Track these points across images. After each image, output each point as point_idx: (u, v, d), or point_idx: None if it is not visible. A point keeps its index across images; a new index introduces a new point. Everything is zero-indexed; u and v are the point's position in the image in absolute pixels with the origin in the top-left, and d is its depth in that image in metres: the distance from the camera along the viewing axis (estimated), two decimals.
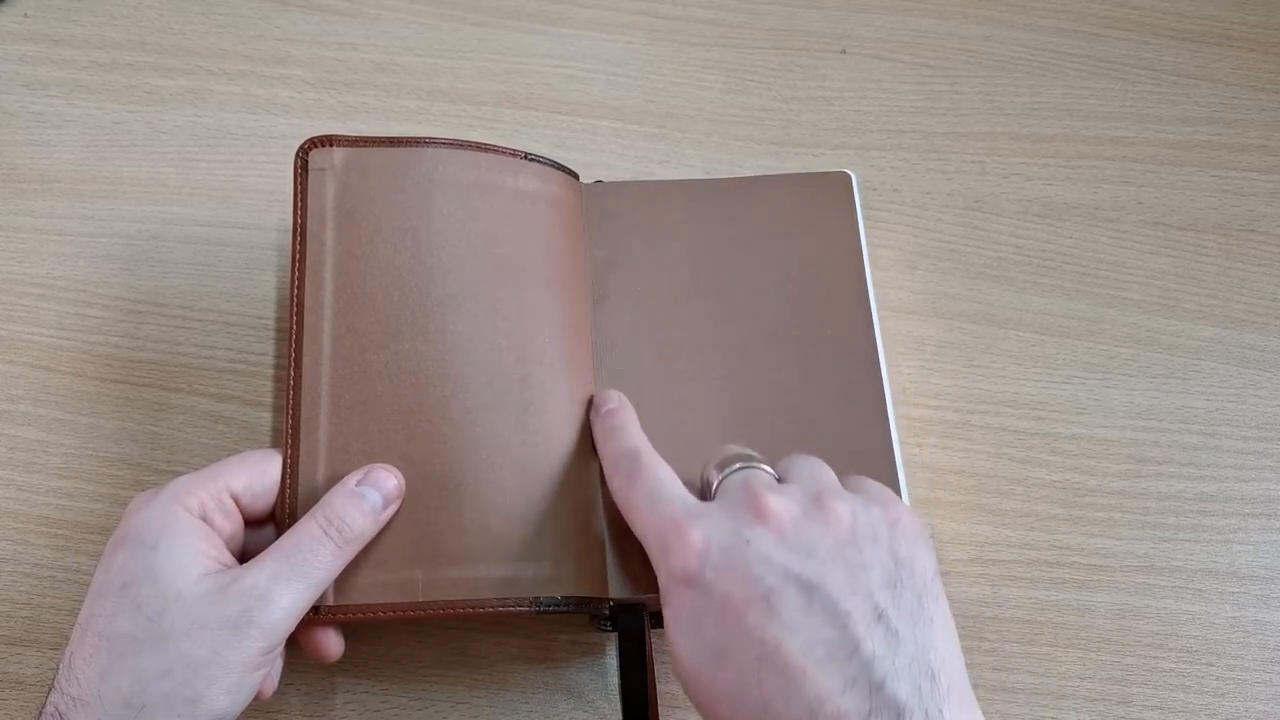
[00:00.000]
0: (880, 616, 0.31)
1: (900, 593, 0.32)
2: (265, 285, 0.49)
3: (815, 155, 0.54)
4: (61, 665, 0.34)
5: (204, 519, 0.36)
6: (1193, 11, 0.59)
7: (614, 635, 0.42)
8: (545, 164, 0.44)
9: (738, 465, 0.36)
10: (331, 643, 0.38)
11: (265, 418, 0.46)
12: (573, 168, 0.46)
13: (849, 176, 0.47)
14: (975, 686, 0.43)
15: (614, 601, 0.39)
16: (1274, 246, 0.53)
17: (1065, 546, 0.46)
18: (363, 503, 0.37)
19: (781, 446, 0.42)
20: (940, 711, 0.29)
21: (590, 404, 0.42)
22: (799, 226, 0.46)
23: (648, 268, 0.45)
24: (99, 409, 0.46)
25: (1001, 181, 0.54)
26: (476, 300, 0.41)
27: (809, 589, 0.31)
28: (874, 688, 0.29)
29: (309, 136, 0.42)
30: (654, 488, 0.36)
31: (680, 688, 0.42)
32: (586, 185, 0.47)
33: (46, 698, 0.33)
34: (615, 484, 0.38)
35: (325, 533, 0.36)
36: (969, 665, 0.43)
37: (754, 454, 0.38)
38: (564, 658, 0.43)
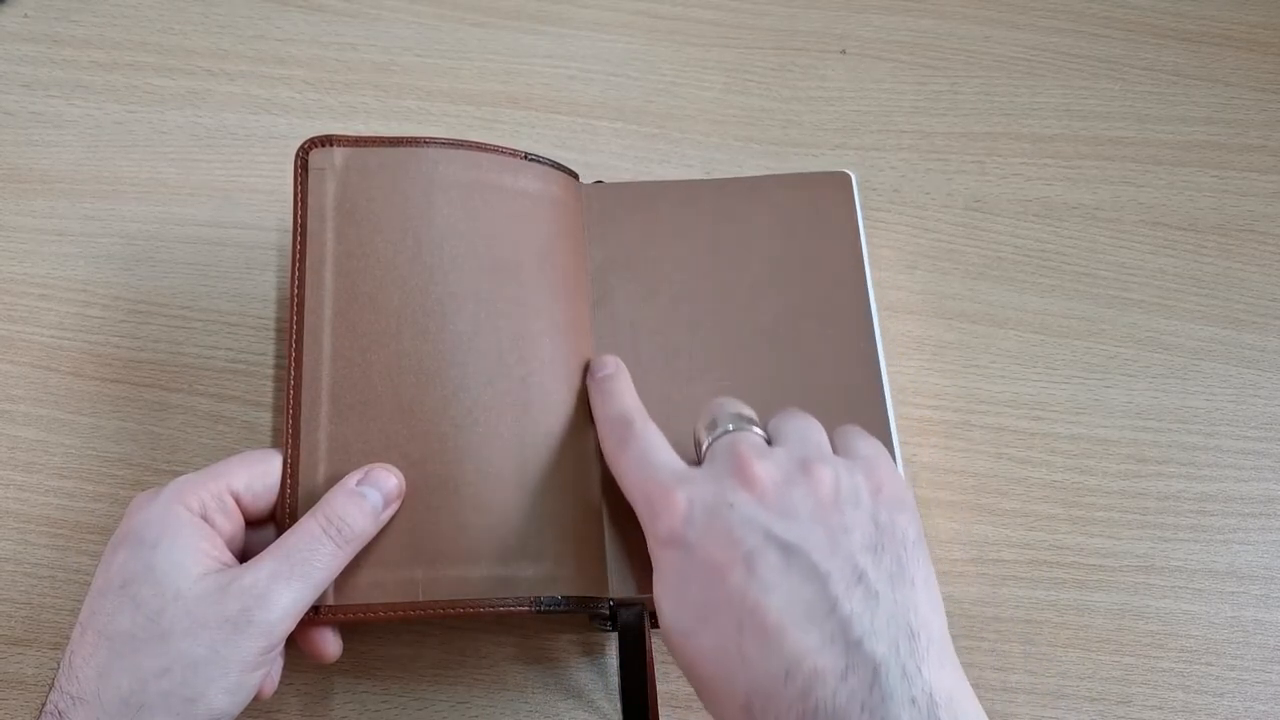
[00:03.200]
0: (860, 578, 0.31)
1: (881, 555, 0.32)
2: (265, 285, 0.49)
3: (815, 155, 0.54)
4: (62, 664, 0.34)
5: (204, 518, 0.36)
6: (1193, 11, 0.59)
7: (614, 635, 0.42)
8: (545, 164, 0.44)
9: (728, 427, 0.36)
10: (330, 643, 0.38)
11: (265, 418, 0.46)
12: (573, 168, 0.46)
13: (849, 176, 0.47)
14: (975, 686, 0.43)
15: (614, 601, 0.39)
16: (1274, 246, 0.53)
17: (1065, 546, 0.46)
18: (363, 502, 0.37)
19: None
20: (919, 669, 0.29)
21: (588, 368, 0.42)
22: (799, 227, 0.46)
23: (648, 268, 0.45)
24: (99, 409, 0.46)
25: (1001, 181, 0.54)
26: (477, 300, 0.41)
27: (788, 550, 0.32)
28: (851, 645, 0.30)
29: (309, 137, 0.42)
30: (644, 452, 0.37)
31: (679, 688, 0.42)
32: (586, 185, 0.47)
33: (47, 696, 0.33)
34: (608, 447, 0.39)
35: (325, 532, 0.36)
36: (969, 665, 0.43)
37: (745, 411, 0.38)
38: (564, 658, 0.43)
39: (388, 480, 0.37)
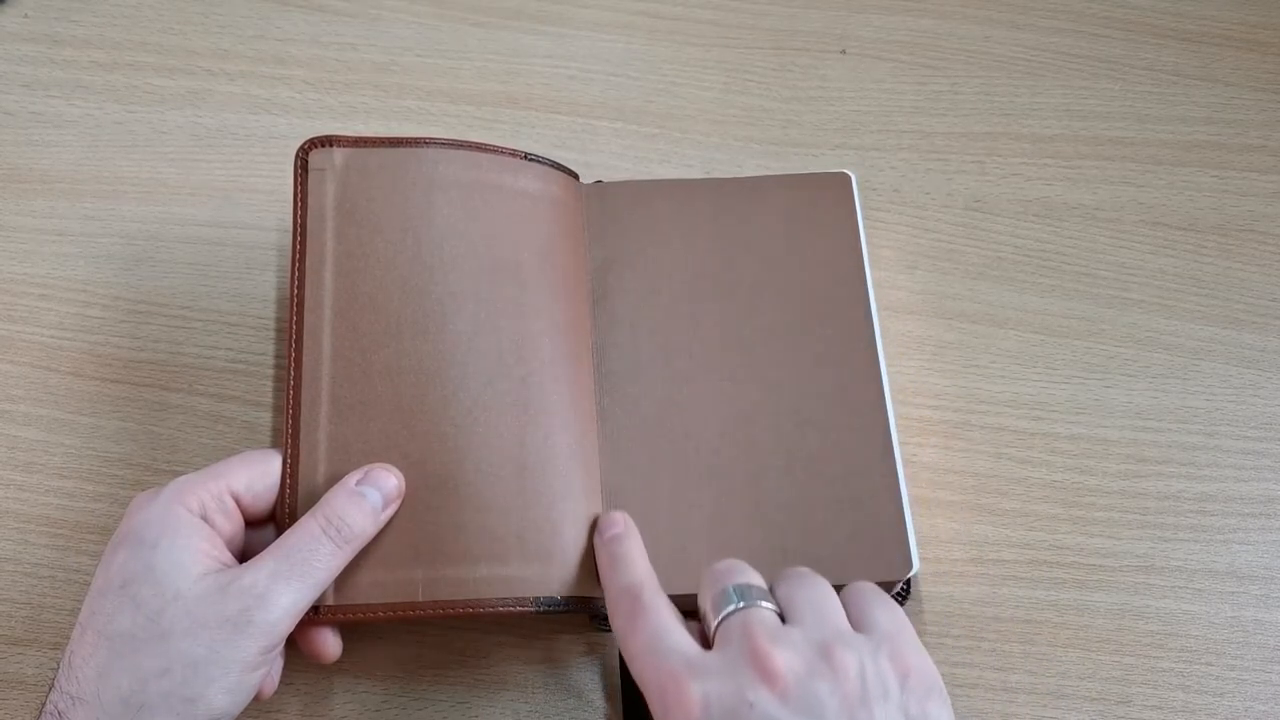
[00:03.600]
0: None
1: None
2: (265, 285, 0.49)
3: (815, 155, 0.54)
4: (62, 664, 0.34)
5: (204, 518, 0.36)
6: (1193, 11, 0.59)
7: (614, 635, 0.42)
8: (545, 164, 0.44)
9: (737, 604, 0.34)
10: (330, 643, 0.38)
11: (265, 418, 0.46)
12: (573, 168, 0.46)
13: (849, 177, 0.47)
14: (975, 686, 0.43)
15: None
16: (1274, 246, 0.53)
17: (1065, 546, 0.46)
18: (363, 502, 0.37)
19: (781, 447, 0.42)
20: None
21: (595, 525, 0.40)
22: (799, 227, 0.46)
23: (648, 268, 0.45)
24: (99, 409, 0.46)
25: (1001, 181, 0.54)
26: (477, 300, 0.41)
27: None
28: None
29: (309, 137, 0.42)
30: (655, 634, 0.34)
31: None
32: (586, 185, 0.47)
33: (47, 696, 0.33)
34: (617, 622, 0.36)
35: (325, 532, 0.36)
36: (969, 665, 0.43)
37: (754, 581, 0.35)
38: (564, 657, 0.43)
39: (387, 480, 0.37)
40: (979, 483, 0.47)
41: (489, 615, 0.38)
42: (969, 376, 0.49)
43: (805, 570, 0.36)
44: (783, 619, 0.34)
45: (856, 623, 0.34)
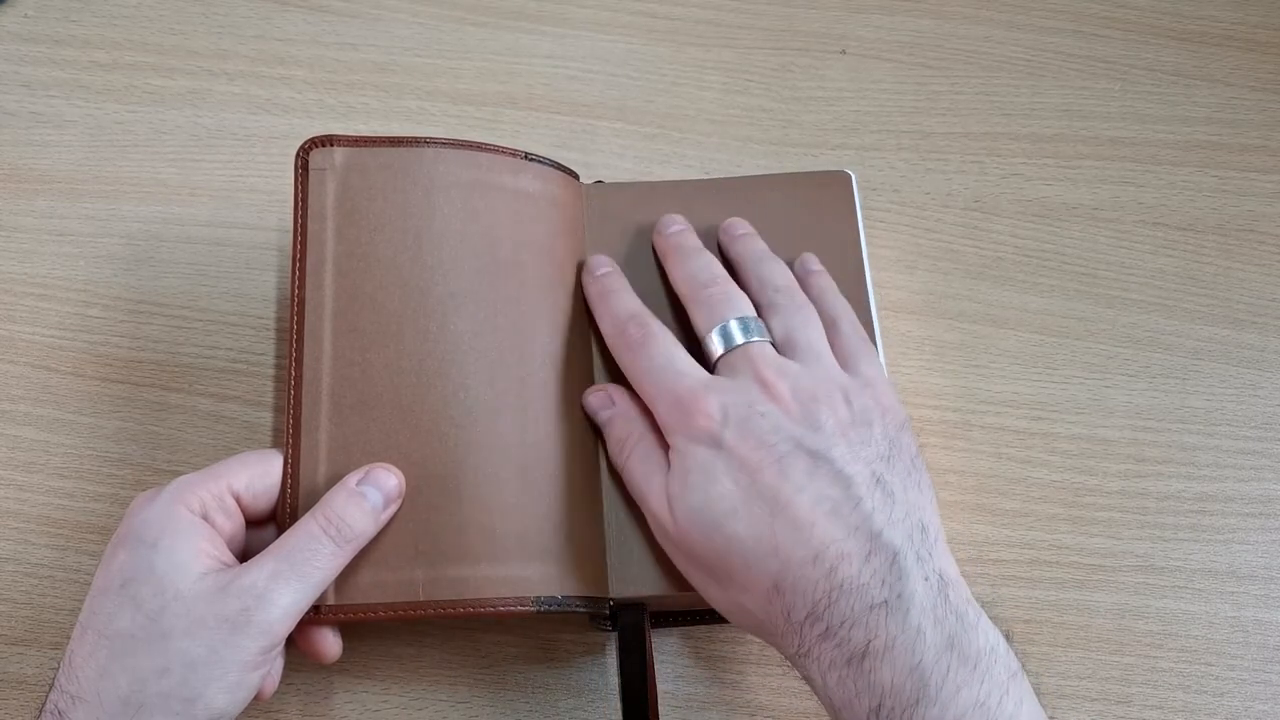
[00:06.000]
0: (879, 481, 0.36)
1: (893, 465, 0.36)
2: (265, 285, 0.49)
3: (815, 155, 0.54)
4: (62, 663, 0.34)
5: (205, 518, 0.36)
6: (1193, 11, 0.59)
7: (614, 635, 0.42)
8: (546, 164, 0.44)
9: (743, 340, 0.39)
10: (330, 643, 0.38)
11: (265, 418, 0.46)
12: (573, 168, 0.46)
13: (849, 176, 0.47)
14: None
15: (614, 601, 0.39)
16: (1273, 247, 0.53)
17: (1065, 546, 0.46)
18: (363, 502, 0.37)
19: None
20: (929, 554, 0.34)
21: (582, 266, 0.43)
22: (799, 226, 0.46)
23: (648, 268, 0.45)
24: (99, 409, 0.46)
25: (1001, 181, 0.54)
26: (477, 300, 0.41)
27: (816, 457, 0.36)
28: (873, 535, 0.34)
29: (309, 137, 0.42)
30: (666, 358, 0.39)
31: (679, 688, 0.42)
32: (586, 185, 0.47)
33: (47, 695, 0.33)
34: (620, 345, 0.41)
35: (325, 532, 0.36)
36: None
37: (747, 312, 0.40)
38: (564, 657, 0.43)
39: (388, 480, 0.37)
40: (979, 483, 0.47)
41: (489, 615, 0.38)
42: (969, 376, 0.49)
43: (794, 294, 0.41)
44: (777, 350, 0.39)
45: (843, 361, 0.40)
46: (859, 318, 0.44)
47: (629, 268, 0.45)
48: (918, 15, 0.59)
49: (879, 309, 0.46)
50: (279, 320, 0.48)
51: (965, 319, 0.50)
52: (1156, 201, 0.54)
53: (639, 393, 0.40)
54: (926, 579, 0.33)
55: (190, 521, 0.35)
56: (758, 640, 0.42)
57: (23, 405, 0.46)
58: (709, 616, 0.43)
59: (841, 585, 0.33)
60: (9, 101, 0.53)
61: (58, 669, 0.34)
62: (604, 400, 0.41)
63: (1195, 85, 0.57)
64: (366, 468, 0.38)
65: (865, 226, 0.47)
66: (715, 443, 0.36)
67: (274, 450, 0.39)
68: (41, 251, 0.50)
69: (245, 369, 0.47)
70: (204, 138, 0.53)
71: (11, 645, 0.42)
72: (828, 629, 0.33)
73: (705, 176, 0.53)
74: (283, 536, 0.36)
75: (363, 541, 0.37)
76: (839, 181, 0.47)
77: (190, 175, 0.52)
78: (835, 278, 0.45)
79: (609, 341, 0.41)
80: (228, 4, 0.57)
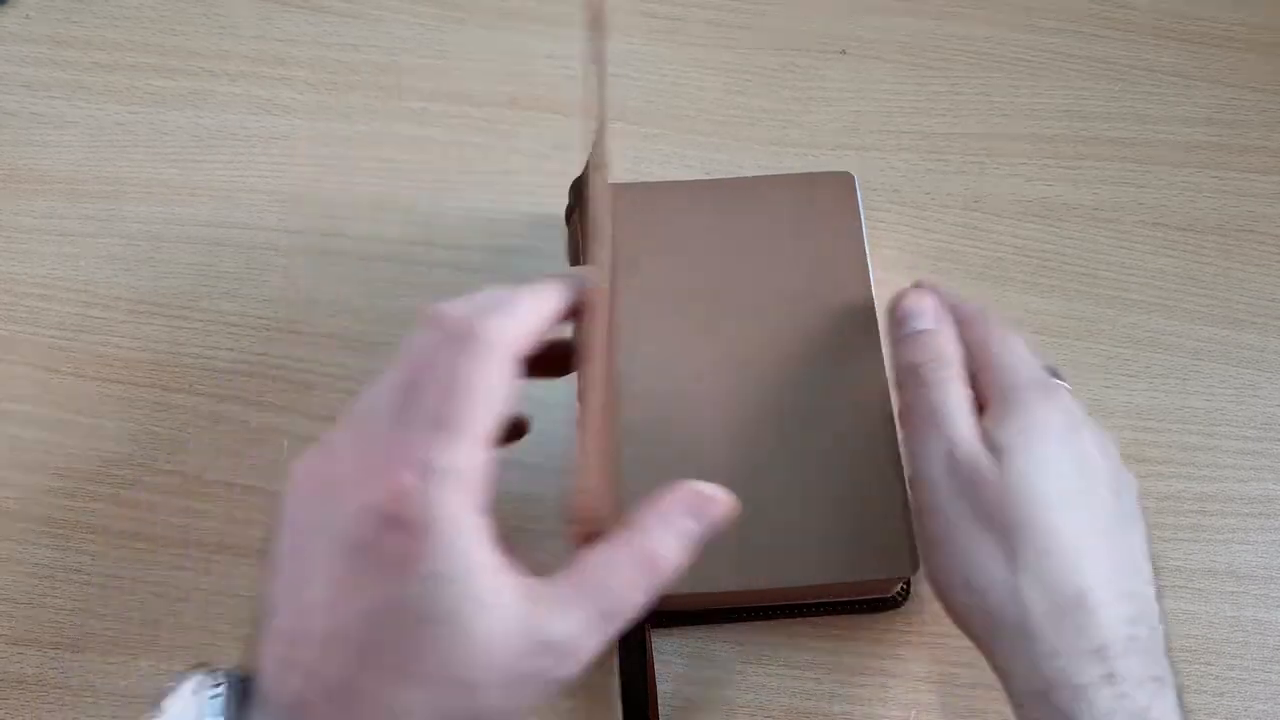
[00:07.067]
0: None
1: None
2: (265, 285, 0.49)
3: (815, 155, 0.54)
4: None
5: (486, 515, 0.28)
6: (1193, 12, 0.59)
7: None
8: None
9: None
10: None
11: (265, 418, 0.46)
12: (573, 168, 0.46)
13: (851, 176, 0.47)
14: (976, 686, 0.43)
15: None
16: (1273, 247, 0.53)
17: None
18: (686, 540, 0.29)
19: (788, 446, 0.42)
20: None
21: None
22: (802, 227, 0.46)
23: (649, 269, 0.45)
24: (99, 409, 0.46)
25: (1001, 181, 0.54)
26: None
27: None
28: None
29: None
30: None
31: (679, 688, 0.42)
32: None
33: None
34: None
35: (644, 577, 0.29)
36: (969, 665, 0.43)
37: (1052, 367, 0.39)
38: None
39: (716, 507, 0.30)
40: None
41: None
42: None
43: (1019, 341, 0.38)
44: None
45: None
46: (863, 317, 0.44)
47: (631, 269, 0.45)
48: (918, 15, 0.59)
49: (880, 309, 0.46)
50: (279, 320, 0.48)
51: None
52: (1156, 201, 0.54)
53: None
54: None
55: (487, 563, 0.27)
56: (757, 640, 0.42)
57: (24, 405, 0.46)
58: (709, 616, 0.43)
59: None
60: (9, 102, 0.53)
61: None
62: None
63: (1195, 85, 0.57)
64: (689, 491, 0.30)
65: (866, 227, 0.47)
66: None
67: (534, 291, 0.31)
68: (41, 251, 0.50)
69: (245, 369, 0.47)
70: (204, 138, 0.53)
71: (12, 645, 0.42)
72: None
73: (705, 177, 0.53)
74: (593, 570, 0.28)
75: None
76: (841, 182, 0.47)
77: (190, 175, 0.52)
78: (838, 276, 0.45)
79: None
80: (228, 4, 0.57)
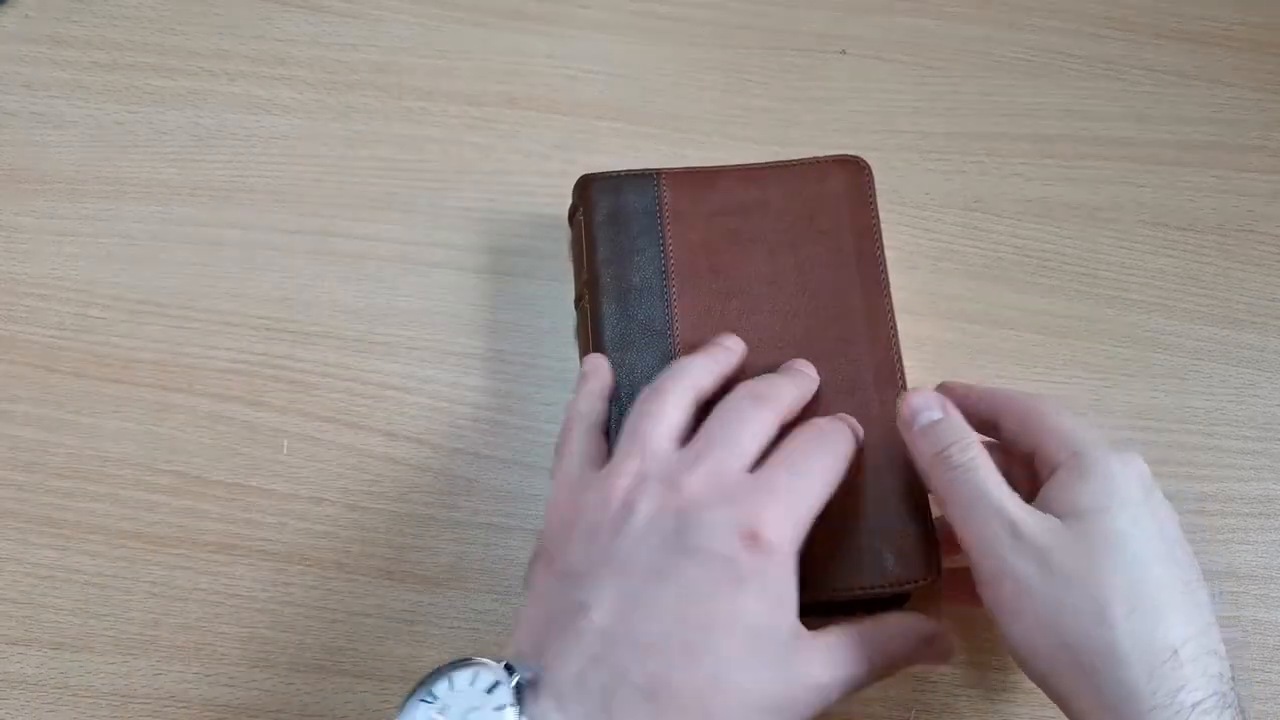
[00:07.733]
0: None
1: None
2: (265, 285, 0.49)
3: (815, 156, 0.54)
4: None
5: None
6: (1193, 12, 0.59)
7: None
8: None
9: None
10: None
11: (265, 418, 0.46)
12: (573, 168, 0.46)
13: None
14: (975, 686, 0.43)
15: None
16: (1273, 247, 0.53)
17: None
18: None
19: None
20: None
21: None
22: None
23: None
24: (99, 409, 0.46)
25: (1001, 181, 0.54)
26: None
27: None
28: None
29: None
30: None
31: None
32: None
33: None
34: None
35: (877, 667, 0.35)
36: (969, 665, 0.43)
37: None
38: None
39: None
40: None
41: None
42: (969, 376, 0.49)
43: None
44: None
45: None
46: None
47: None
48: (918, 15, 0.59)
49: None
50: (279, 320, 0.48)
51: (965, 319, 0.50)
52: (1156, 201, 0.54)
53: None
54: None
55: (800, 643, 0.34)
56: None
57: (23, 405, 0.46)
58: None
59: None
60: (9, 101, 0.53)
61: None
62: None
63: (1195, 85, 0.57)
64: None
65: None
66: None
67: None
68: (41, 251, 0.50)
69: (245, 369, 0.47)
70: (204, 138, 0.53)
71: (12, 645, 0.42)
72: None
73: None
74: (871, 628, 0.36)
75: None
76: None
77: (190, 175, 0.52)
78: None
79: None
80: (228, 4, 0.57)
